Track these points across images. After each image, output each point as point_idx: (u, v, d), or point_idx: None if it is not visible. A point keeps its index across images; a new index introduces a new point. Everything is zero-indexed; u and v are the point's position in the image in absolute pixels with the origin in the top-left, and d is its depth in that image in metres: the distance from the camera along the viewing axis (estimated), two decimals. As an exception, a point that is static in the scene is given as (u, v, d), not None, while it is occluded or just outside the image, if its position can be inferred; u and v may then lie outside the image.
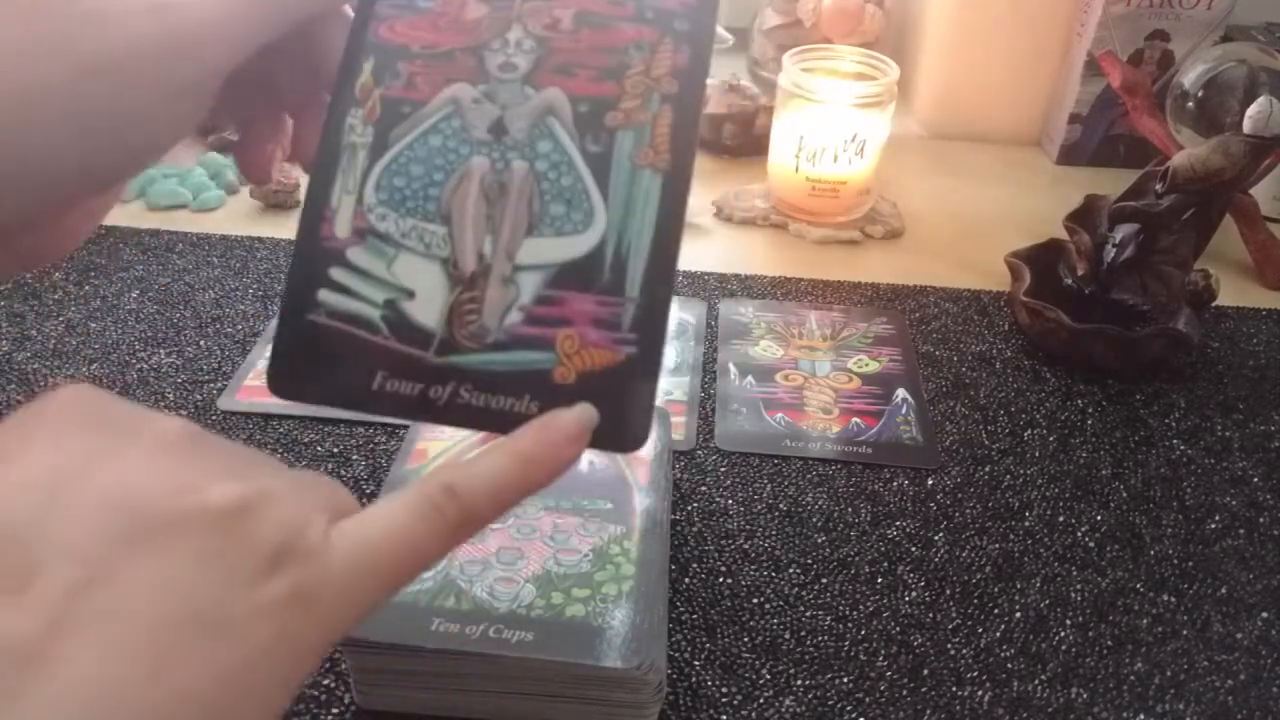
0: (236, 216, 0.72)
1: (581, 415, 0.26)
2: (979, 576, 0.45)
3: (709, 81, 0.28)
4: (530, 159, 0.27)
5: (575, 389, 0.26)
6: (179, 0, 0.25)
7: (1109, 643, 0.43)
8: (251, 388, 0.55)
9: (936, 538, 0.47)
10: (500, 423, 0.26)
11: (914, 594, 0.44)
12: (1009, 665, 0.41)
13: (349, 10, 0.30)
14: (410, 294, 0.27)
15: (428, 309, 0.27)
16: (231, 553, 0.20)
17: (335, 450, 0.51)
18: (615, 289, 0.26)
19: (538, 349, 0.26)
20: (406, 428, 0.48)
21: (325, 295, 0.27)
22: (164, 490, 0.20)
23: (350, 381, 0.27)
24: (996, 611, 0.44)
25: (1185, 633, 0.43)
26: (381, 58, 0.28)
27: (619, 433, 0.26)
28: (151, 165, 0.30)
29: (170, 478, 0.20)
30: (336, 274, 0.27)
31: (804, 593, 0.44)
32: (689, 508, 0.48)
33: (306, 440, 0.51)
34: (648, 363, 0.26)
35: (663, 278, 0.27)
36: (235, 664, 0.19)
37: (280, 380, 0.27)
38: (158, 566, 0.19)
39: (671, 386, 0.56)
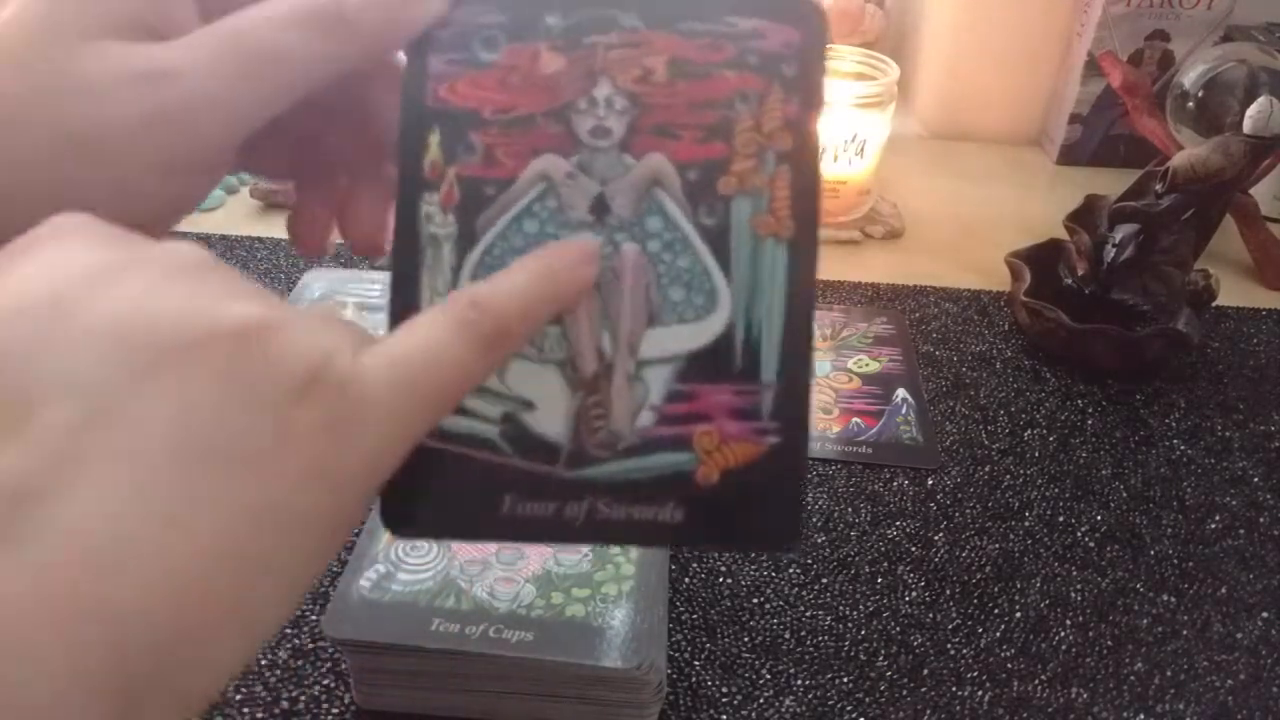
0: (236, 216, 0.72)
1: (591, 241, 0.24)
2: (979, 576, 0.45)
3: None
4: (640, 239, 0.24)
5: (719, 488, 0.24)
6: (174, 70, 0.23)
7: (1109, 643, 0.43)
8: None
9: (936, 538, 0.47)
10: (645, 535, 0.24)
11: (914, 594, 0.44)
12: (1009, 665, 0.41)
13: (399, 61, 0.25)
14: (529, 404, 0.24)
15: (551, 419, 0.24)
16: (254, 376, 0.18)
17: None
18: (750, 375, 0.24)
19: (675, 450, 0.24)
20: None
21: None
22: (176, 311, 0.18)
23: (476, 509, 0.24)
24: (996, 611, 0.44)
25: (1185, 633, 0.43)
26: (448, 127, 0.25)
27: (769, 531, 0.24)
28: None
29: (182, 299, 0.18)
30: None
31: (804, 593, 0.44)
32: (689, 508, 0.48)
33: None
34: (793, 450, 0.24)
35: (800, 356, 0.24)
36: (262, 501, 0.17)
37: (395, 517, 0.24)
38: (171, 395, 0.17)
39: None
